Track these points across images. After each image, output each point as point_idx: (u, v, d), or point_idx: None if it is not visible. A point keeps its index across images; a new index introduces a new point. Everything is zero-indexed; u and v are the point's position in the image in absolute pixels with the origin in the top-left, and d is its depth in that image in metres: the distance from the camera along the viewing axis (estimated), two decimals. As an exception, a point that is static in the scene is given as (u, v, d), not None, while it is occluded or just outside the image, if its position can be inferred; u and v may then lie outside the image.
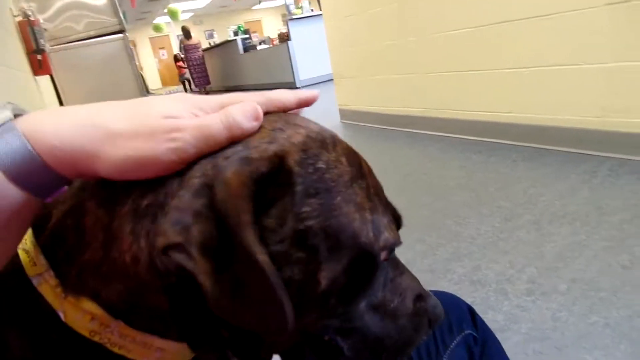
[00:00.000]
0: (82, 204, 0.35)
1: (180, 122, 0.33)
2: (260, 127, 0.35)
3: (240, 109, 0.35)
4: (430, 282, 1.50)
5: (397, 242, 0.39)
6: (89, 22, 4.28)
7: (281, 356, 0.43)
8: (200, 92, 12.63)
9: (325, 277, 0.35)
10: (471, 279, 1.48)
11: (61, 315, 0.35)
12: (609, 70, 2.19)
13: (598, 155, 2.28)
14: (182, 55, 12.76)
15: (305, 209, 0.34)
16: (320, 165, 0.35)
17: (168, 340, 0.37)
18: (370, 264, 0.37)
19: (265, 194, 0.33)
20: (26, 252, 0.36)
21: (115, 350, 0.36)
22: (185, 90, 13.35)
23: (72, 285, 0.35)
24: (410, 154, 3.09)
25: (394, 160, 2.96)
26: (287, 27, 8.50)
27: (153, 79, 20.75)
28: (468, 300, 0.71)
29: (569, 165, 2.25)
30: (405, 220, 0.42)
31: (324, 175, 0.35)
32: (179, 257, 0.29)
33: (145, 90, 5.74)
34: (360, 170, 0.38)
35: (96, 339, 0.35)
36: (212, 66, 12.59)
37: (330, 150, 0.36)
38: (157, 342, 0.37)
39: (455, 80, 3.10)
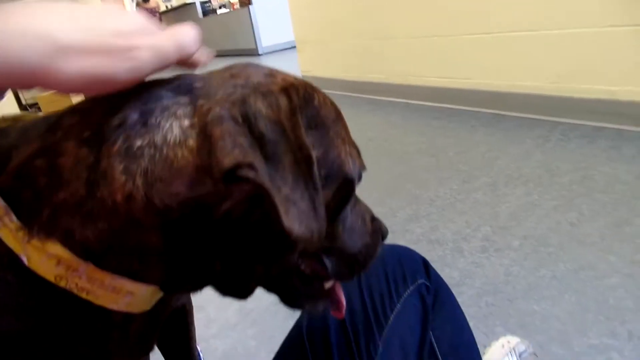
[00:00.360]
0: (56, 145, 0.33)
1: (138, 41, 0.32)
2: (249, 73, 0.37)
3: (187, 33, 0.35)
4: (389, 242, 1.53)
5: (364, 169, 0.46)
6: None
7: (268, 288, 0.47)
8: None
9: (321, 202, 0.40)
10: (429, 238, 1.51)
11: (24, 259, 0.33)
12: (565, 36, 2.23)
13: (551, 120, 2.36)
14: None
15: (309, 139, 0.37)
16: (315, 103, 0.40)
17: (138, 284, 0.37)
18: (349, 188, 0.43)
19: None
20: None
21: (83, 295, 0.35)
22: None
23: (41, 226, 0.34)
24: (372, 121, 3.09)
25: (357, 127, 2.94)
26: (249, -10, 8.19)
27: (107, 45, 19.62)
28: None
29: (524, 130, 2.31)
30: (366, 184, 0.48)
31: (319, 112, 0.40)
32: (250, 174, 0.31)
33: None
34: (337, 110, 0.43)
35: (62, 284, 0.34)
36: (170, 31, 12.03)
37: (318, 92, 0.41)
38: (128, 285, 0.36)
39: (417, 46, 3.10)
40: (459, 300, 1.15)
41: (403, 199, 1.82)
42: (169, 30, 0.35)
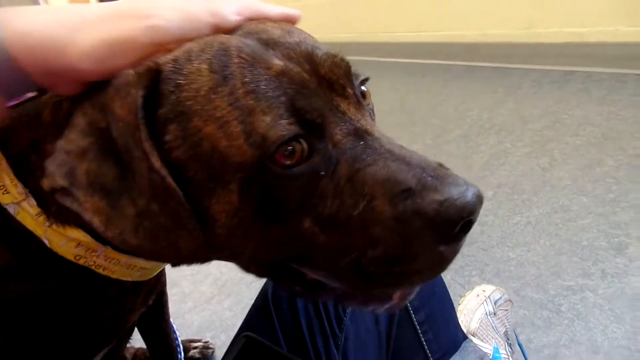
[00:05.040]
0: (40, 143, 0.35)
1: (159, 2, 0.31)
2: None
3: (226, 1, 0.34)
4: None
5: (288, 134, 0.30)
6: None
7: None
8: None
9: (221, 209, 0.32)
10: (404, 195, 1.49)
11: (45, 242, 0.36)
12: (532, -21, 2.18)
13: (523, 68, 2.33)
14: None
15: (167, 137, 0.31)
16: (180, 80, 0.31)
17: (151, 261, 0.41)
18: (270, 177, 0.31)
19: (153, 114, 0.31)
20: None
21: (100, 271, 0.38)
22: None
23: (55, 215, 0.36)
24: (344, 81, 3.02)
25: (328, 89, 2.88)
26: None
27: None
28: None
29: (496, 80, 2.29)
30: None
31: (181, 94, 0.31)
32: (63, 200, 0.30)
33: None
34: (224, 73, 0.31)
35: (81, 262, 0.37)
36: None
37: (194, 59, 0.31)
38: (141, 263, 0.40)
39: (385, 1, 3.00)
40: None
41: (377, 158, 1.79)
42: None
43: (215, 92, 0.30)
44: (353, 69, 0.37)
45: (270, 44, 0.33)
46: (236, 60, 0.31)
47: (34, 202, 0.35)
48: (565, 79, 2.07)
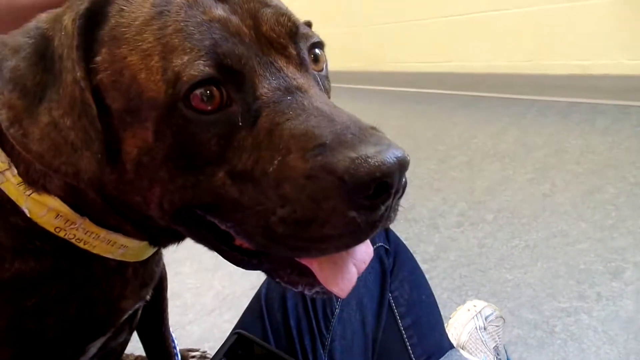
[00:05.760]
0: None
1: None
2: None
3: None
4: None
5: (201, 76, 0.30)
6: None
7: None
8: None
9: (134, 144, 0.32)
10: (406, 217, 1.51)
11: (26, 212, 0.36)
12: (538, 13, 2.25)
13: (528, 99, 2.37)
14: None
15: (98, 58, 0.32)
16: (124, 7, 0.33)
17: (132, 239, 0.41)
18: (184, 120, 0.30)
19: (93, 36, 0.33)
20: None
21: (81, 245, 0.39)
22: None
23: (24, 177, 0.36)
24: (352, 109, 3.05)
25: (338, 115, 2.94)
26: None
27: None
28: (402, 236, 0.71)
29: (501, 109, 2.32)
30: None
31: (119, 19, 0.32)
32: None
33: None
34: (163, 8, 0.32)
35: (61, 234, 0.38)
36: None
37: None
38: (121, 239, 0.40)
39: (393, 32, 3.10)
40: (433, 274, 1.16)
41: (381, 181, 1.82)
42: None
43: (147, 25, 0.31)
44: (303, 31, 0.36)
45: None
46: (179, 1, 0.32)
47: (15, 171, 0.36)
48: (569, 109, 2.10)
